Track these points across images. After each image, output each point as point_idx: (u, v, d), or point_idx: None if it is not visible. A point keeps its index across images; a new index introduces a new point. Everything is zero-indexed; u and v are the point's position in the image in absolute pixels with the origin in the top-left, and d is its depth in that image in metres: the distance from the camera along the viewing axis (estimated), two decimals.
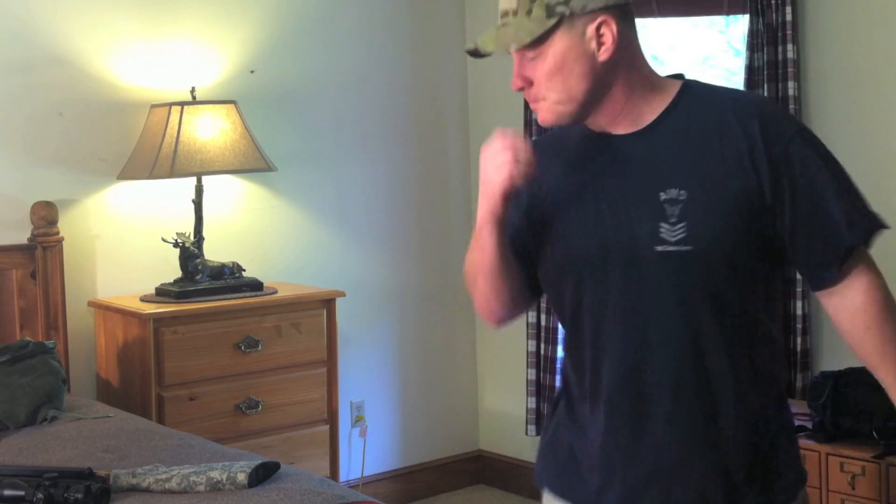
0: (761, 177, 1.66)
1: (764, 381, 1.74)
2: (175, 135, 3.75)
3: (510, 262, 1.78)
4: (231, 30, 4.24)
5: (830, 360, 3.73)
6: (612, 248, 1.68)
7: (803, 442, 3.30)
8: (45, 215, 3.71)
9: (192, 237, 3.88)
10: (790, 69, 3.70)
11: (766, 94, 3.72)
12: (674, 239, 1.65)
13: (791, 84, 3.70)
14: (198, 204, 3.90)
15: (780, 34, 3.72)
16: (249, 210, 4.28)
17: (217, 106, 3.89)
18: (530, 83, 1.69)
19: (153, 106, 3.90)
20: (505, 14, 1.69)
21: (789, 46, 3.70)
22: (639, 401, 1.69)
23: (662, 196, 1.66)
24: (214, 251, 4.02)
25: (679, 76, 1.77)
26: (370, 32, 4.61)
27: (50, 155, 3.86)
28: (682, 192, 1.66)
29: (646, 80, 1.72)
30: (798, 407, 3.59)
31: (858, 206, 1.72)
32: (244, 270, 3.98)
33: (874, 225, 1.72)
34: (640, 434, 1.69)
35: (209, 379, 3.73)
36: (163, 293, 3.83)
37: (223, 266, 3.90)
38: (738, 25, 4.32)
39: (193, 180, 3.89)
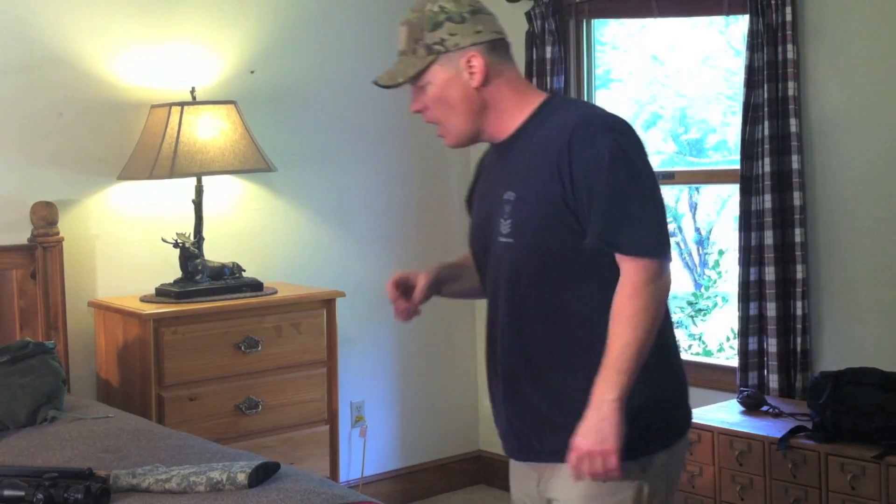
0: (565, 185, 1.99)
1: (566, 363, 2.06)
2: (175, 135, 3.75)
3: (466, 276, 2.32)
4: (231, 30, 4.24)
5: (830, 360, 3.73)
6: (481, 239, 2.18)
7: (803, 442, 3.30)
8: (45, 215, 3.71)
9: (192, 237, 3.88)
10: (790, 69, 3.70)
11: (765, 94, 3.73)
12: (505, 232, 2.08)
13: (791, 84, 3.70)
14: (198, 204, 3.90)
15: (780, 34, 3.72)
16: (249, 210, 4.28)
17: (217, 106, 3.89)
18: (425, 108, 2.15)
19: (153, 106, 3.90)
20: (400, 53, 2.15)
21: (789, 46, 3.70)
22: (492, 364, 2.20)
23: (504, 196, 2.09)
24: (214, 251, 4.02)
25: (550, 91, 2.10)
26: (370, 32, 4.61)
27: (50, 155, 3.86)
28: (512, 193, 2.07)
29: (516, 99, 2.12)
30: (798, 407, 3.59)
31: (617, 225, 1.96)
32: (244, 270, 3.98)
33: (628, 247, 1.97)
34: (494, 391, 2.21)
35: (209, 379, 3.73)
36: (163, 293, 3.83)
37: (223, 266, 3.90)
38: (738, 25, 4.33)
39: (193, 180, 3.89)
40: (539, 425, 2.11)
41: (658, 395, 2.09)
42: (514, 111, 2.12)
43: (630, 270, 1.98)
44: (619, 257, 1.99)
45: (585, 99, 4.55)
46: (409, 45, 2.12)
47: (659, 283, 1.98)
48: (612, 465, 1.95)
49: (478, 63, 2.08)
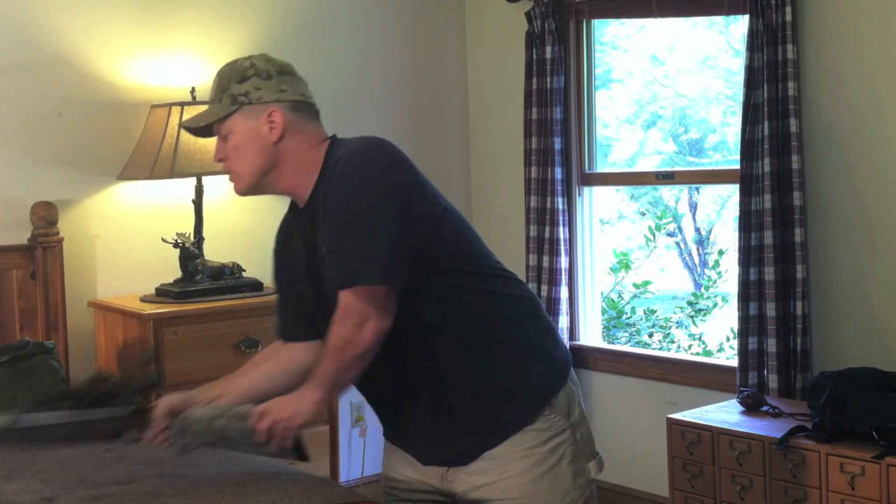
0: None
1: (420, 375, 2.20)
2: (175, 135, 3.75)
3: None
4: (231, 30, 4.24)
5: (830, 361, 3.73)
6: (314, 299, 2.25)
7: (803, 442, 3.31)
8: (45, 215, 3.71)
9: (192, 237, 3.88)
10: (790, 69, 3.70)
11: (765, 94, 3.73)
12: (325, 280, 2.15)
13: (791, 84, 3.70)
14: (198, 204, 3.90)
15: (780, 34, 3.72)
16: (249, 210, 4.28)
17: None
18: (225, 157, 2.23)
19: (153, 106, 3.91)
20: (209, 102, 2.24)
21: (789, 46, 3.70)
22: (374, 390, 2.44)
23: (322, 249, 2.13)
24: (214, 251, 4.02)
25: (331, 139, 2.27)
26: (370, 33, 4.61)
27: (50, 155, 3.86)
28: (322, 245, 2.13)
29: (311, 162, 2.20)
30: (798, 407, 3.59)
31: (342, 258, 2.06)
32: (244, 270, 3.98)
33: (342, 284, 2.07)
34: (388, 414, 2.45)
35: (209, 379, 3.68)
36: (163, 293, 3.83)
37: (223, 266, 3.91)
38: (738, 25, 4.33)
39: (193, 180, 3.90)
40: (441, 435, 2.24)
41: (530, 348, 2.23)
42: (306, 169, 2.20)
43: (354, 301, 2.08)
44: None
45: (585, 99, 4.55)
46: (217, 94, 2.22)
47: (358, 312, 2.09)
48: (288, 437, 2.17)
49: (277, 119, 2.20)
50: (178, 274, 3.87)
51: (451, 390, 2.20)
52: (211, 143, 3.76)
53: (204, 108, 3.80)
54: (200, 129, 2.26)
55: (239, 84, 2.20)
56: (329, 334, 2.10)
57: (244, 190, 2.25)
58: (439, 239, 2.15)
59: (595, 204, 4.62)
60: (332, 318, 2.11)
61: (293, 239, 2.29)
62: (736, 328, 3.95)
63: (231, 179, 2.26)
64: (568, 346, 2.56)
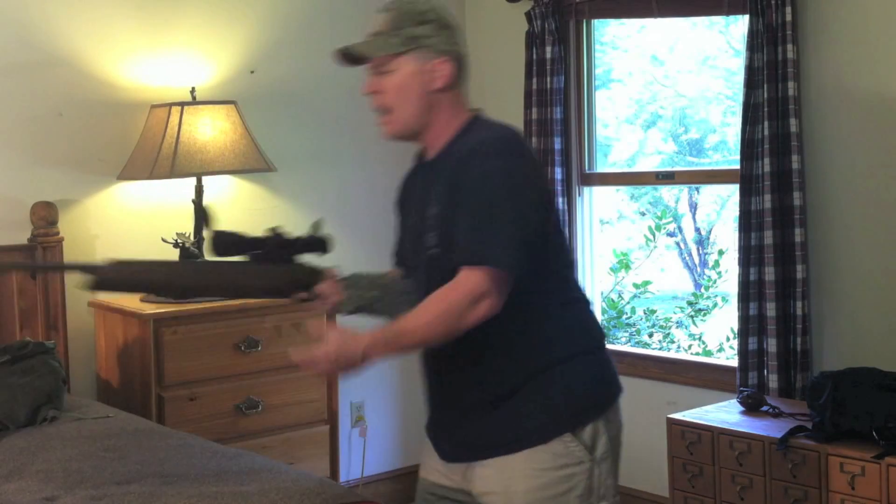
0: (454, 200, 2.13)
1: (497, 361, 2.17)
2: (175, 135, 3.75)
3: None
4: (231, 30, 4.24)
5: (830, 360, 3.73)
6: (410, 250, 2.30)
7: (803, 442, 3.31)
8: (45, 215, 3.71)
9: (192, 237, 3.88)
10: (790, 69, 3.70)
11: (765, 94, 3.73)
12: (432, 244, 2.17)
13: (791, 84, 3.70)
14: (198, 204, 3.90)
15: (780, 34, 3.72)
16: (249, 210, 4.28)
17: (217, 106, 3.89)
18: (378, 92, 2.24)
19: (153, 106, 3.91)
20: (376, 33, 2.23)
21: (789, 46, 3.70)
22: (427, 369, 2.33)
23: (428, 211, 2.19)
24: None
25: (474, 111, 2.29)
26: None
27: (50, 155, 3.86)
28: (436, 208, 2.17)
29: (452, 114, 2.25)
30: (798, 407, 3.59)
31: (476, 237, 2.08)
32: None
33: (472, 259, 2.08)
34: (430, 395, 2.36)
35: (209, 379, 3.73)
36: None
37: None
38: (738, 25, 4.33)
39: (193, 180, 3.90)
40: (470, 423, 2.22)
41: (567, 367, 2.21)
42: (447, 125, 2.24)
43: (468, 277, 2.08)
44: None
45: (585, 99, 4.55)
46: (391, 28, 2.21)
47: (486, 294, 2.08)
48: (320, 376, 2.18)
49: (446, 69, 2.22)
50: None
51: (497, 380, 2.19)
52: (211, 142, 3.78)
53: (206, 106, 3.83)
54: (350, 56, 2.26)
55: (417, 26, 2.20)
56: (437, 297, 2.08)
57: (395, 132, 2.27)
58: (545, 242, 2.18)
59: (595, 204, 4.62)
60: (417, 270, 2.21)
61: (416, 183, 2.33)
62: (736, 328, 3.95)
63: (381, 119, 2.26)
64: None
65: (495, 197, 2.09)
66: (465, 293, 2.06)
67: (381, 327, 2.11)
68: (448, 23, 2.24)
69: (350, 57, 2.26)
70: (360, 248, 4.59)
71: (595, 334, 2.29)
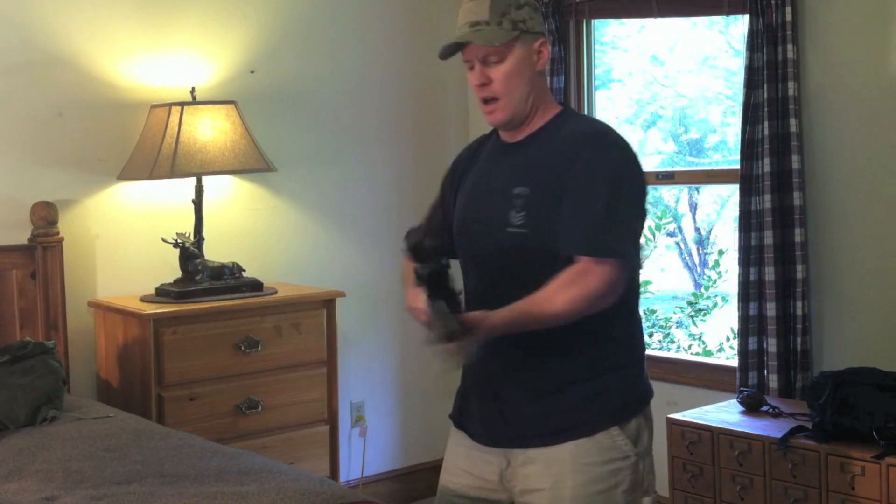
0: (562, 186, 2.13)
1: (566, 347, 2.18)
2: (175, 135, 3.75)
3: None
4: (231, 30, 4.24)
5: (830, 360, 3.73)
6: (475, 228, 2.29)
7: (803, 442, 3.31)
8: (45, 215, 3.71)
9: (192, 237, 3.88)
10: (790, 69, 3.70)
11: (765, 94, 3.73)
12: (517, 223, 2.18)
13: (791, 84, 3.70)
14: (198, 204, 3.90)
15: (780, 34, 3.72)
16: (249, 210, 4.28)
17: (217, 106, 3.89)
18: (489, 81, 2.20)
19: (153, 106, 3.91)
20: (476, 24, 2.19)
21: (789, 46, 3.70)
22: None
23: (514, 191, 2.19)
24: (214, 251, 4.02)
25: (562, 104, 2.33)
26: (370, 32, 4.61)
27: (50, 155, 3.86)
28: (525, 188, 2.18)
29: (546, 106, 2.27)
30: (798, 407, 3.59)
31: (605, 228, 2.10)
32: (244, 270, 3.98)
33: (602, 250, 2.10)
34: (474, 374, 2.32)
35: (209, 379, 3.73)
36: (163, 293, 3.83)
37: (223, 266, 3.90)
38: (738, 25, 4.33)
39: (193, 180, 3.89)
40: (530, 410, 2.21)
41: (626, 369, 2.27)
42: (544, 111, 2.26)
43: (604, 269, 2.10)
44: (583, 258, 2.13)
45: (585, 99, 4.55)
46: (494, 16, 2.19)
47: (610, 285, 2.11)
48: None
49: (545, 50, 2.24)
50: (178, 274, 3.87)
51: (553, 367, 2.20)
52: (211, 142, 3.78)
53: (206, 106, 3.83)
54: (449, 49, 2.24)
55: (518, 10, 2.21)
56: (571, 283, 2.08)
57: (505, 119, 2.24)
58: None
59: None
60: (477, 243, 2.26)
61: (478, 163, 2.34)
62: (736, 328, 3.95)
63: (490, 107, 2.24)
64: None
65: (621, 191, 2.13)
66: (602, 283, 2.08)
67: (507, 308, 2.10)
68: (536, 5, 2.26)
69: (449, 50, 2.24)
70: (360, 248, 4.60)
71: (640, 332, 2.35)
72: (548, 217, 2.15)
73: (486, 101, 2.23)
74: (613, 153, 2.16)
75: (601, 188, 2.11)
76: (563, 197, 2.13)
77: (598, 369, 2.21)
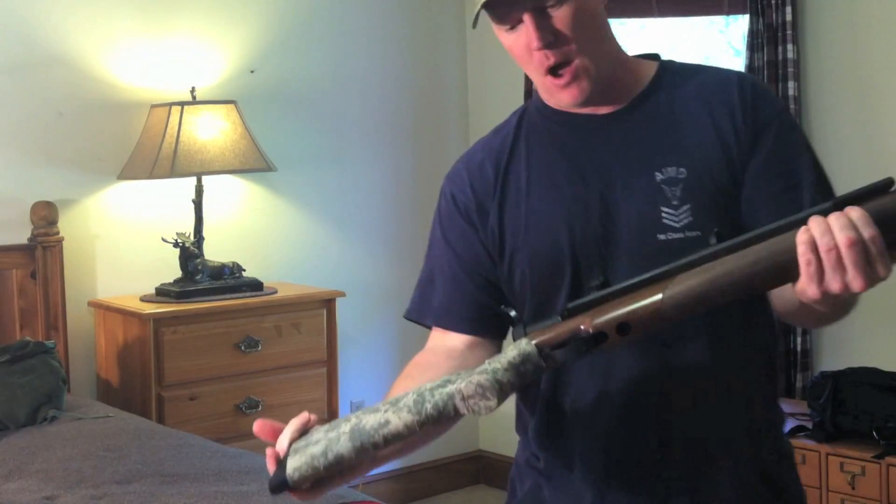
0: (738, 152, 1.48)
1: (772, 395, 1.59)
2: (175, 135, 3.75)
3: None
4: (231, 29, 4.24)
5: (830, 360, 3.73)
6: (599, 241, 1.48)
7: (803, 442, 3.30)
8: (45, 215, 3.71)
9: (192, 237, 3.88)
10: (790, 69, 3.70)
11: None
12: (682, 223, 1.44)
13: (791, 84, 3.71)
14: (198, 204, 3.90)
15: (780, 34, 3.72)
16: (249, 210, 4.28)
17: (217, 106, 3.89)
18: (555, 36, 1.46)
19: (153, 106, 3.91)
20: None
21: (789, 46, 3.70)
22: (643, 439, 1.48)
23: (659, 176, 1.48)
24: (214, 251, 4.02)
25: (653, 56, 1.61)
26: (370, 32, 4.61)
27: (50, 155, 3.86)
28: (680, 169, 1.47)
29: (637, 61, 1.59)
30: (798, 407, 3.59)
31: (828, 185, 1.50)
32: (244, 270, 3.98)
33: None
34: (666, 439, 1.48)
35: (209, 379, 3.73)
36: (163, 293, 3.83)
37: (223, 266, 3.90)
38: (738, 25, 4.33)
39: (193, 180, 3.89)
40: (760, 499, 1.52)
41: None
42: (625, 59, 1.57)
43: None
44: None
45: None
46: None
47: None
48: None
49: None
50: (178, 274, 3.87)
51: (764, 430, 1.53)
52: (211, 142, 3.78)
53: (206, 106, 3.83)
54: (505, 5, 1.51)
55: None
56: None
57: (591, 88, 1.48)
58: None
59: None
60: (577, 293, 1.44)
61: (536, 160, 1.57)
62: None
63: (563, 78, 1.48)
64: None
65: (804, 136, 1.56)
66: None
67: None
68: None
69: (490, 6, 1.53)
70: (360, 248, 4.60)
71: None
72: (723, 204, 1.46)
73: (555, 69, 1.48)
74: (772, 94, 1.57)
75: (796, 137, 1.51)
76: (736, 170, 1.46)
77: (776, 422, 1.59)
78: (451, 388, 1.30)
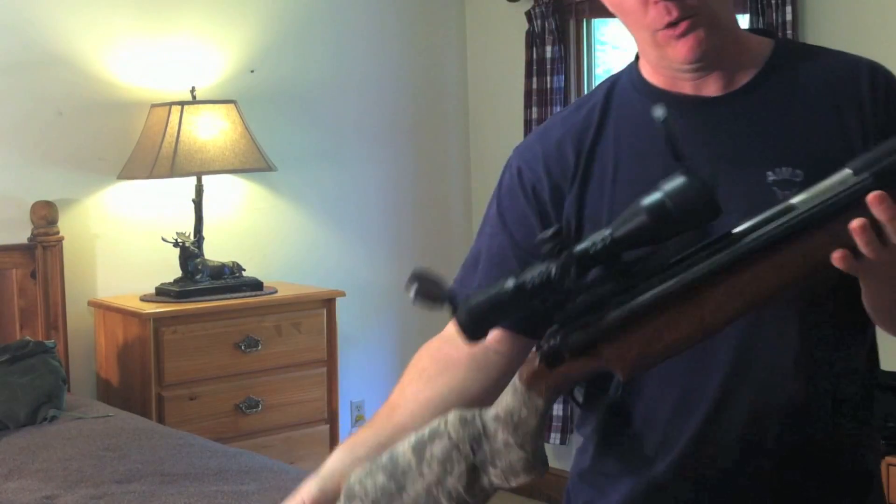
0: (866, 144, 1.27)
1: (867, 412, 1.44)
2: (175, 135, 3.75)
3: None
4: (231, 29, 4.24)
5: None
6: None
7: None
8: (45, 215, 3.71)
9: (192, 237, 3.88)
10: None
11: None
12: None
13: None
14: (198, 204, 3.90)
15: (780, 34, 3.72)
16: (249, 210, 4.28)
17: (217, 106, 3.89)
18: None
19: (153, 106, 3.91)
20: None
21: None
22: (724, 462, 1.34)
23: (771, 176, 1.29)
24: (214, 251, 4.02)
25: (767, 32, 1.45)
26: (370, 32, 4.61)
27: (50, 155, 3.86)
28: (796, 171, 1.28)
29: (747, 33, 1.40)
30: None
31: None
32: (244, 270, 3.98)
33: None
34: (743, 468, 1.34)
35: (209, 379, 3.73)
36: (163, 293, 3.83)
37: (223, 266, 3.91)
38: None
39: (193, 180, 3.90)
40: None
41: None
42: (740, 34, 1.39)
43: None
44: None
45: None
46: None
47: None
48: None
49: None
50: (178, 273, 3.87)
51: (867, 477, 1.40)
52: (211, 142, 3.78)
53: (206, 106, 3.83)
54: None
55: None
56: None
57: (708, 43, 1.29)
58: None
59: None
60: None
61: (628, 143, 1.37)
62: None
63: (680, 28, 1.29)
64: None
65: None
66: None
67: None
68: None
69: None
70: (360, 248, 4.60)
71: None
72: None
73: (674, 23, 1.30)
74: None
75: None
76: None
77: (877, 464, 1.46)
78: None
